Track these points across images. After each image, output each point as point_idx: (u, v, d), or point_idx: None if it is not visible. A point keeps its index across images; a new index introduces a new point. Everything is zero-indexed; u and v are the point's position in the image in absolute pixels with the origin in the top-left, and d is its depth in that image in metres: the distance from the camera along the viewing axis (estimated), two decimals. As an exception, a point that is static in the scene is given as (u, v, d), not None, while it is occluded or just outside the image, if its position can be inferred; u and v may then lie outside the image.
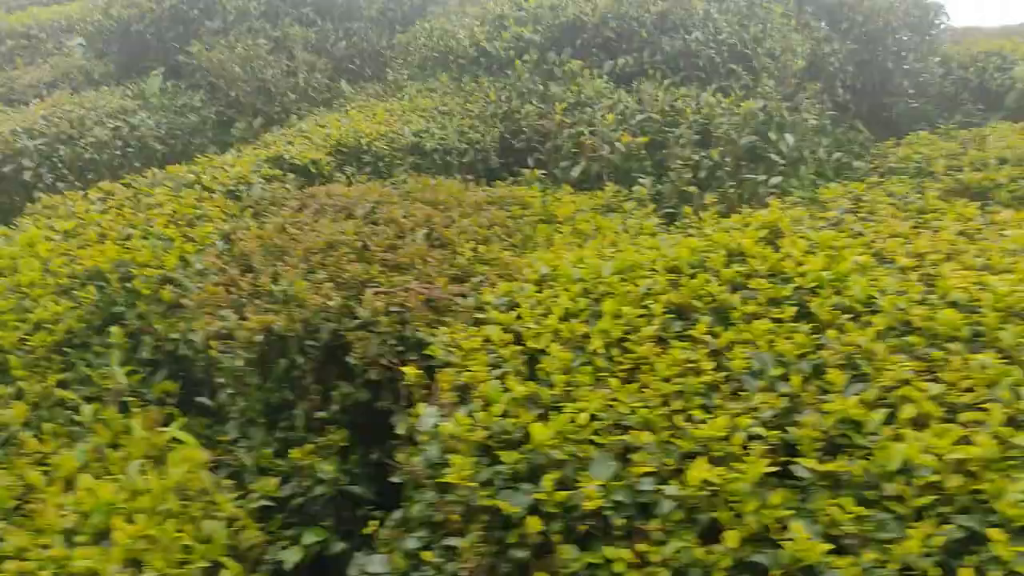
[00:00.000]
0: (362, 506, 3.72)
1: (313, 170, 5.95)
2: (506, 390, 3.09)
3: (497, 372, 3.23)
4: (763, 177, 6.64)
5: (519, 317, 3.53)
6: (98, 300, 4.26)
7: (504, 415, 2.96)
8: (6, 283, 4.47)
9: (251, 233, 4.66)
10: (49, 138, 7.82)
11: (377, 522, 3.18)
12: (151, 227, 4.87)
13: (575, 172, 6.24)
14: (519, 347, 3.35)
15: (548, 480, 2.67)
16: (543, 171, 6.39)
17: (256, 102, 9.18)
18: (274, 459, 3.63)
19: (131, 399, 3.86)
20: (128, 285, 4.29)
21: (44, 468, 3.37)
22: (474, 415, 2.96)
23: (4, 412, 3.65)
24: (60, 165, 7.68)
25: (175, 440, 3.56)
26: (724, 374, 3.06)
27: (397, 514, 3.31)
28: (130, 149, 8.04)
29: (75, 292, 4.35)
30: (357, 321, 3.83)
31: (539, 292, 3.77)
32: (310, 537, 3.34)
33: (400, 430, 3.70)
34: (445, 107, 7.23)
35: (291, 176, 5.84)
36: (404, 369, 3.43)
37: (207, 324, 3.79)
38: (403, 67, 8.64)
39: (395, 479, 3.16)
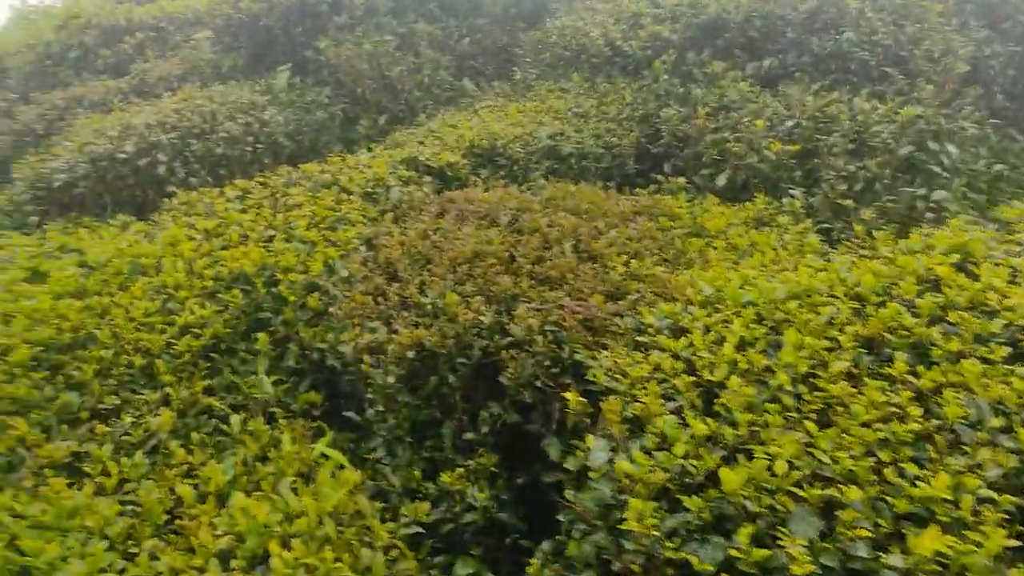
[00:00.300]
0: (509, 534, 3.56)
1: (449, 173, 5.84)
2: (684, 426, 2.85)
3: (671, 405, 3.00)
4: (922, 191, 6.16)
5: (691, 344, 3.28)
6: (244, 305, 4.23)
7: (684, 456, 2.72)
8: (151, 283, 4.50)
9: (394, 239, 4.56)
10: (182, 132, 7.99)
11: (537, 561, 2.99)
12: (293, 229, 4.84)
13: (720, 181, 5.93)
14: (692, 378, 3.11)
15: (743, 535, 2.42)
16: (681, 179, 6.09)
17: (381, 99, 9.20)
18: (422, 481, 3.50)
19: (276, 409, 3.81)
20: (274, 290, 4.25)
21: (193, 481, 3.34)
22: (652, 454, 2.74)
23: (152, 420, 3.65)
24: (192, 160, 7.84)
25: (323, 455, 3.47)
26: (935, 422, 2.74)
27: (546, 545, 3.13)
28: (259, 145, 8.15)
29: (220, 295, 4.34)
30: (509, 339, 3.66)
31: (707, 316, 3.51)
32: (463, 568, 3.19)
33: (553, 456, 3.53)
34: (579, 109, 7.01)
35: (427, 179, 5.74)
36: (566, 395, 3.23)
37: (357, 336, 3.69)
38: (531, 66, 8.47)
39: (561, 517, 2.96)
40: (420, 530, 3.23)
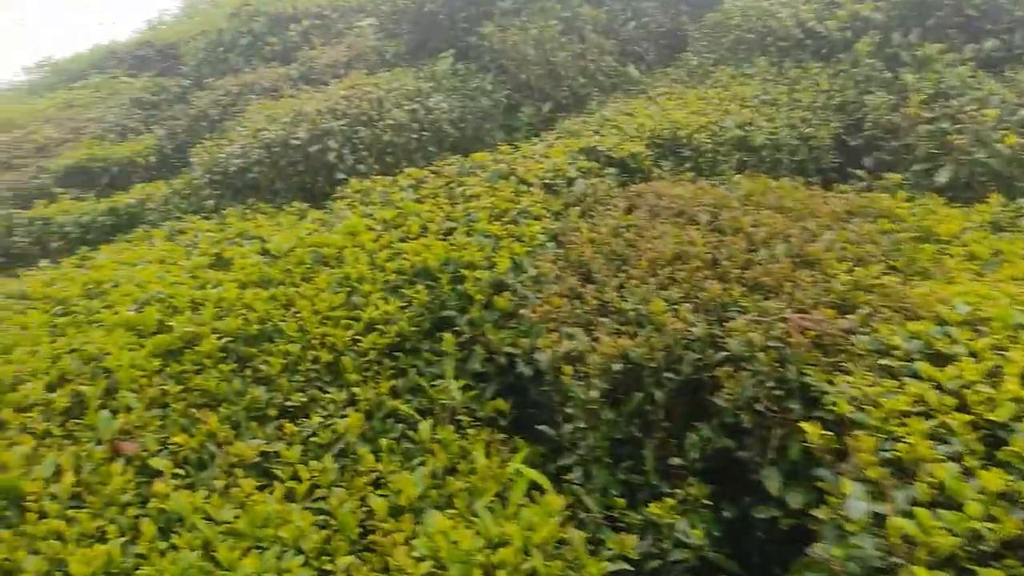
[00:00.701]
0: (718, 574, 3.18)
1: (632, 164, 5.47)
2: (968, 477, 2.38)
3: (945, 449, 2.53)
4: None
5: (959, 374, 2.78)
6: (428, 301, 4.02)
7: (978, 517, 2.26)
8: (334, 275, 4.37)
9: (583, 236, 4.24)
10: (350, 119, 7.97)
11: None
12: (474, 222, 4.60)
13: (940, 177, 5.27)
14: (967, 416, 2.62)
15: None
16: (896, 175, 5.46)
17: (544, 86, 8.91)
18: (626, 509, 3.16)
19: (462, 416, 3.57)
20: (459, 287, 4.01)
21: (383, 492, 3.14)
22: (936, 511, 2.29)
23: (340, 421, 3.48)
24: (360, 147, 7.80)
25: (517, 471, 3.20)
26: None
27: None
28: (425, 132, 8.04)
29: (403, 290, 4.15)
30: (725, 354, 3.27)
31: (970, 339, 2.99)
32: (678, 616, 2.83)
33: (772, 490, 3.12)
34: (767, 96, 6.47)
35: (609, 170, 5.38)
36: (805, 426, 2.81)
37: (554, 343, 3.39)
38: (708, 50, 7.94)
39: (812, 575, 2.55)
40: (627, 566, 2.90)
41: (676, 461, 3.25)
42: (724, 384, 3.18)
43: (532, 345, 3.55)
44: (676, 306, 3.44)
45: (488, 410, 3.65)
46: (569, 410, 3.31)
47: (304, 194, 7.43)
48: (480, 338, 3.86)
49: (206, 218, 6.85)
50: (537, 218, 4.66)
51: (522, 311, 3.74)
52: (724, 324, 3.42)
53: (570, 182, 5.14)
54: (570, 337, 3.41)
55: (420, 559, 2.67)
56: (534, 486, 3.18)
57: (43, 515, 2.99)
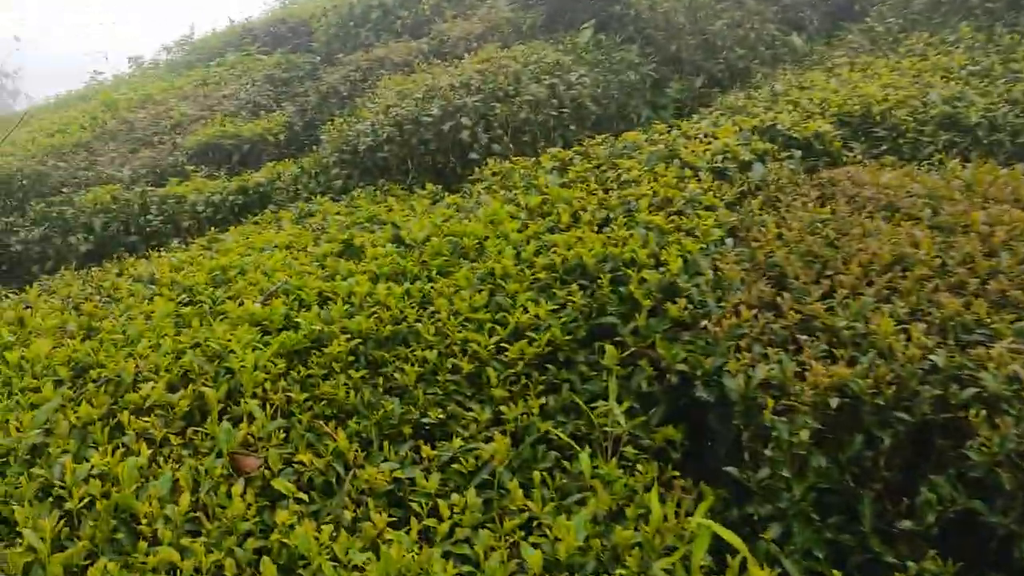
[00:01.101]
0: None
1: (817, 146, 4.76)
2: None
3: None
4: None
5: None
6: (583, 305, 3.50)
7: None
8: (475, 270, 3.92)
9: (769, 232, 3.61)
10: (485, 95, 7.54)
11: None
12: (633, 211, 4.04)
13: None
14: None
15: None
16: None
17: (697, 58, 8.20)
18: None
19: (626, 446, 3.04)
20: (621, 290, 3.47)
21: (536, 539, 2.65)
22: None
23: (483, 445, 3.02)
24: (495, 124, 7.36)
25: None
26: None
27: None
28: (564, 109, 7.51)
29: (554, 291, 3.65)
30: (975, 390, 2.60)
31: None
32: None
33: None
34: (978, 67, 5.57)
35: (789, 153, 4.70)
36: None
37: (746, 366, 2.81)
38: (893, 14, 7.03)
39: None
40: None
41: (906, 524, 2.61)
42: (976, 431, 2.52)
43: (716, 366, 2.97)
44: (906, 325, 2.79)
45: (658, 440, 3.10)
46: (768, 452, 2.72)
47: (435, 175, 7.07)
48: (647, 351, 3.31)
49: (335, 199, 6.58)
50: (708, 209, 4.05)
51: (703, 323, 3.16)
52: (967, 350, 2.75)
53: (744, 167, 4.49)
54: (765, 359, 2.82)
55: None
56: (717, 542, 2.62)
57: (155, 541, 2.67)
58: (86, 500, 2.80)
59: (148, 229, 7.18)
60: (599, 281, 3.59)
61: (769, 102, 5.72)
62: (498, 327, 3.52)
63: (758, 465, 2.79)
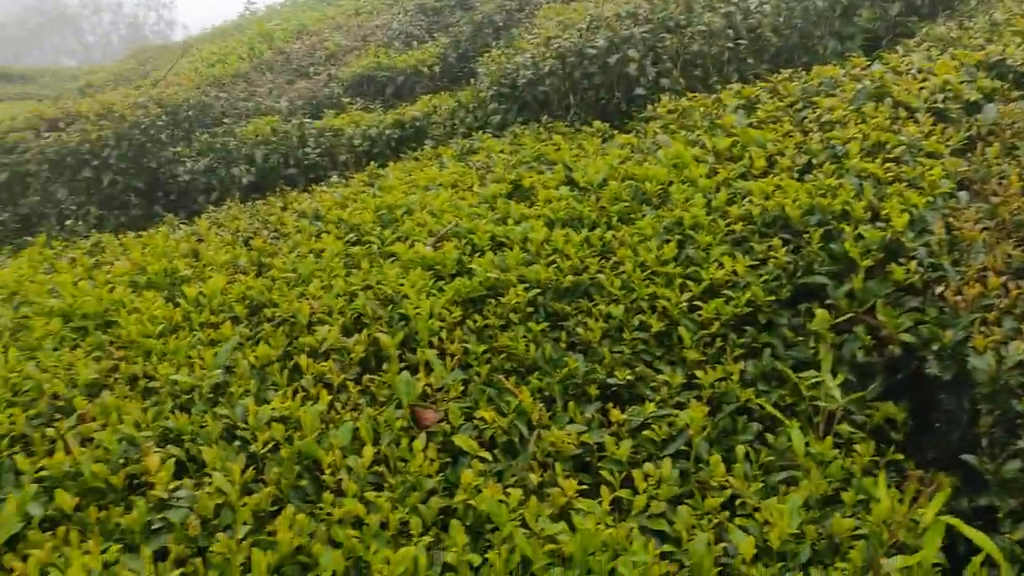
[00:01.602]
0: None
1: (1060, 84, 4.20)
2: None
3: None
4: None
5: None
6: (787, 262, 3.22)
7: None
8: (660, 219, 3.68)
9: (1011, 185, 3.19)
10: (654, 25, 7.15)
11: None
12: (841, 157, 3.68)
13: None
14: None
15: None
16: None
17: (892, -18, 7.47)
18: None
19: (841, 423, 2.78)
20: (832, 247, 3.17)
21: (742, 521, 2.46)
22: None
23: (678, 412, 2.83)
24: (664, 57, 6.98)
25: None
26: None
27: None
28: (741, 40, 7.02)
29: (752, 245, 3.38)
30: None
31: None
32: None
33: None
34: None
35: (1020, 92, 4.16)
36: None
37: (997, 343, 2.48)
38: None
39: None
40: None
41: None
42: None
43: (956, 340, 2.64)
44: None
45: (876, 418, 2.82)
46: (1020, 443, 2.41)
47: (598, 112, 6.80)
48: (863, 317, 3.01)
49: (495, 135, 6.44)
50: (931, 156, 3.64)
51: (938, 289, 2.83)
52: None
53: (971, 108, 4.01)
54: (1022, 336, 2.48)
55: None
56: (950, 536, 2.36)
57: (340, 492, 2.65)
58: (270, 444, 2.82)
59: (306, 162, 7.29)
60: (805, 236, 3.29)
61: (988, 33, 5.11)
62: (690, 282, 3.29)
63: (1003, 455, 2.48)
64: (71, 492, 2.63)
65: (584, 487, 2.65)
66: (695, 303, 3.22)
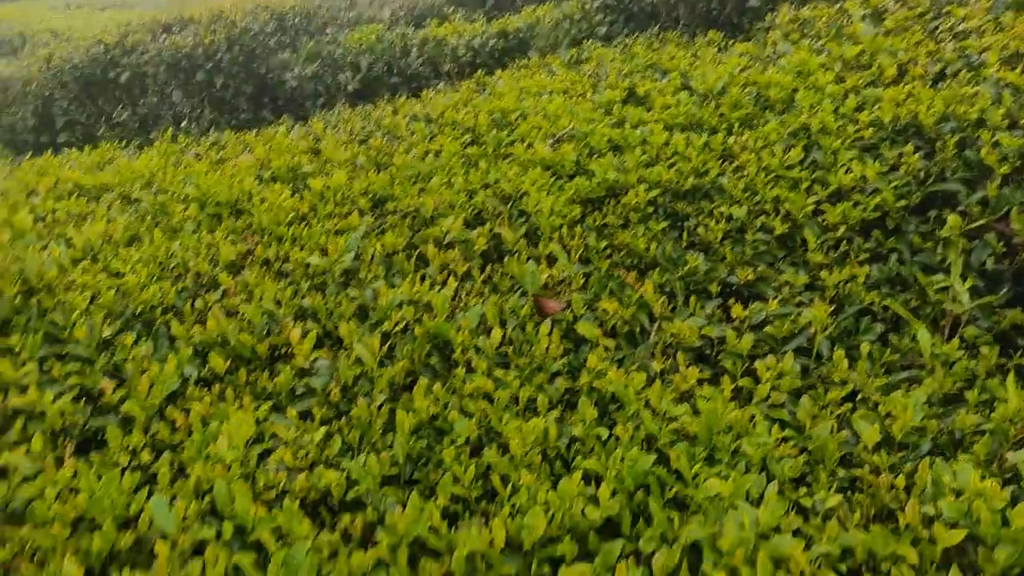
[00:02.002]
0: None
1: None
2: None
3: None
4: None
5: None
6: (919, 169, 3.22)
7: None
8: (785, 124, 3.69)
9: None
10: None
11: None
12: (977, 66, 3.61)
13: None
14: None
15: None
16: None
17: None
18: None
19: (968, 328, 2.82)
20: (967, 154, 3.15)
21: (864, 414, 2.55)
22: None
23: (800, 311, 2.91)
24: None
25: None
26: None
27: None
28: (865, -49, 6.77)
29: (882, 151, 3.37)
30: None
31: None
32: None
33: None
34: None
35: None
36: None
37: None
38: None
39: None
40: None
41: None
42: None
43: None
44: None
45: (1004, 324, 2.85)
46: None
47: (708, 24, 6.70)
48: (995, 225, 3.01)
49: (604, 45, 6.42)
50: (1079, 64, 3.54)
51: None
52: None
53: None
54: None
55: (947, 523, 2.08)
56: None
57: (469, 369, 2.84)
58: (401, 325, 3.01)
59: (409, 72, 7.41)
60: (938, 143, 3.27)
61: None
62: (816, 186, 3.32)
63: None
64: (221, 357, 2.89)
65: (705, 375, 2.77)
66: (820, 207, 3.26)
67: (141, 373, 2.77)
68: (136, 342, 2.96)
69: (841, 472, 2.38)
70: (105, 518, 2.21)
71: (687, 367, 2.76)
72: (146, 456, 2.54)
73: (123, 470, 2.39)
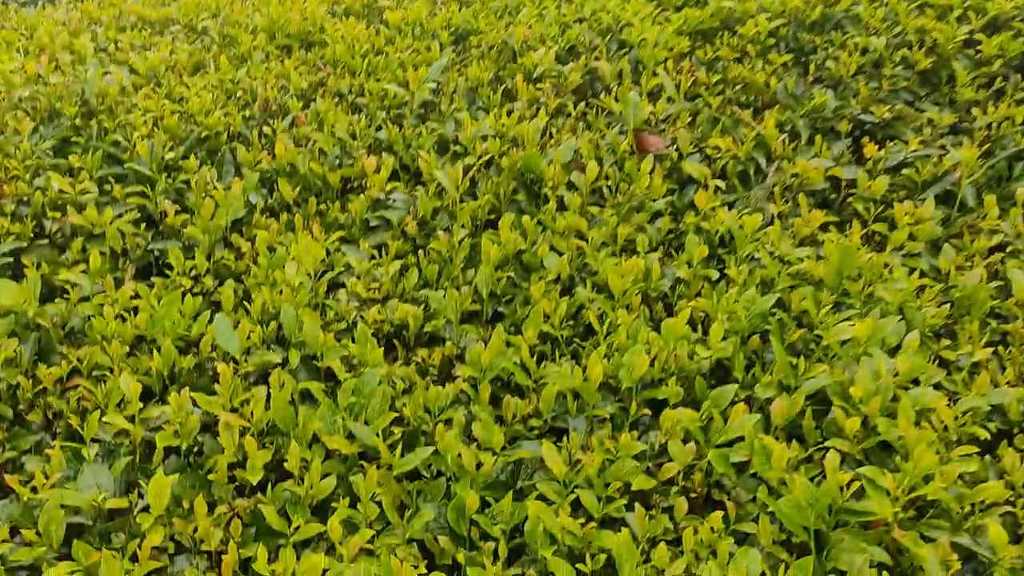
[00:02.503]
0: None
1: None
2: None
3: None
4: None
5: None
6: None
7: None
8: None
9: None
10: None
11: None
12: None
13: None
14: None
15: None
16: None
17: None
18: None
19: None
20: None
21: (1018, 263, 2.23)
22: None
23: (947, 153, 2.56)
24: None
25: None
26: None
27: None
28: None
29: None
30: None
31: None
32: None
33: None
34: None
35: None
36: None
37: None
38: None
39: None
40: None
41: None
42: None
43: None
44: None
45: None
46: None
47: None
48: None
49: None
50: None
51: None
52: None
53: None
54: None
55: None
56: None
57: (561, 206, 2.59)
58: (484, 158, 2.77)
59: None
60: None
61: None
62: (970, 14, 2.91)
63: None
64: (290, 186, 2.70)
65: (831, 219, 2.48)
66: (973, 37, 2.85)
67: (205, 198, 2.60)
68: (200, 168, 2.79)
69: (993, 323, 2.09)
70: (165, 339, 2.07)
71: (810, 210, 2.47)
72: (209, 282, 2.39)
73: (184, 293, 2.25)
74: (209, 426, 1.88)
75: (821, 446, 1.73)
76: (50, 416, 2.00)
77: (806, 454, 1.73)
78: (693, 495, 1.73)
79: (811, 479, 1.67)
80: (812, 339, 2.03)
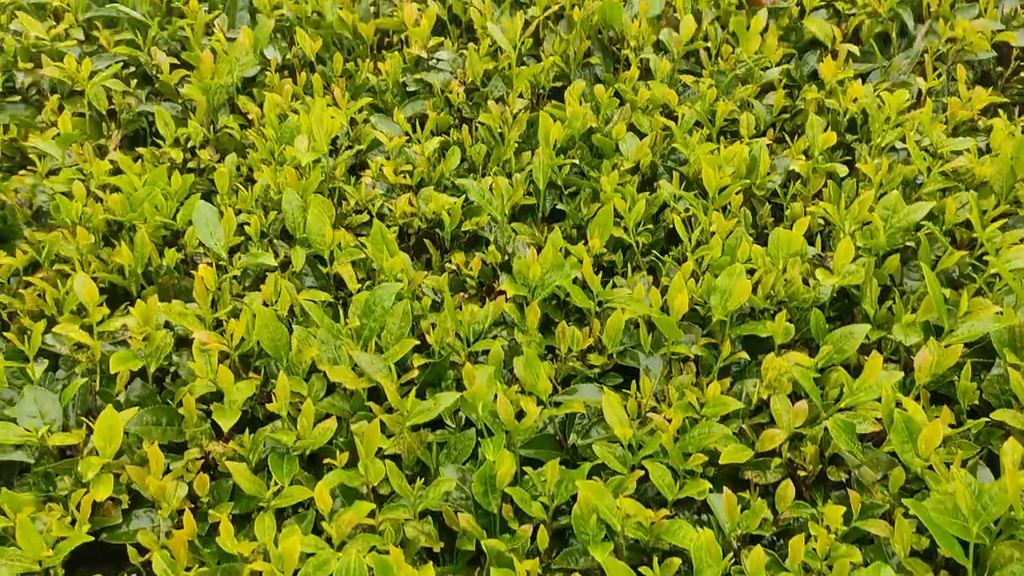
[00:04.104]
0: None
1: None
2: None
3: None
4: None
5: None
6: None
7: None
8: None
9: None
10: None
11: None
12: None
13: None
14: None
15: None
16: None
17: None
18: None
19: None
20: None
21: None
22: None
23: None
24: None
25: None
26: None
27: None
28: None
29: None
30: None
31: None
32: None
33: None
34: None
35: None
36: None
37: None
38: None
39: None
40: None
41: None
42: None
43: None
44: None
45: None
46: None
47: None
48: None
49: None
50: None
51: None
52: None
53: None
54: None
55: None
56: None
57: (646, 74, 2.13)
58: (552, 9, 2.31)
59: None
60: None
61: None
62: None
63: None
64: (312, 38, 2.29)
65: (997, 99, 1.97)
66: None
67: (206, 49, 2.21)
68: (207, 12, 2.39)
69: None
70: (142, 228, 1.73)
71: (970, 88, 1.97)
72: (206, 156, 2.03)
73: (172, 169, 1.89)
74: (189, 343, 1.56)
75: (980, 419, 1.32)
76: (5, 317, 1.70)
77: (961, 429, 1.32)
78: (802, 474, 1.35)
79: (967, 462, 1.27)
80: (974, 264, 1.59)
